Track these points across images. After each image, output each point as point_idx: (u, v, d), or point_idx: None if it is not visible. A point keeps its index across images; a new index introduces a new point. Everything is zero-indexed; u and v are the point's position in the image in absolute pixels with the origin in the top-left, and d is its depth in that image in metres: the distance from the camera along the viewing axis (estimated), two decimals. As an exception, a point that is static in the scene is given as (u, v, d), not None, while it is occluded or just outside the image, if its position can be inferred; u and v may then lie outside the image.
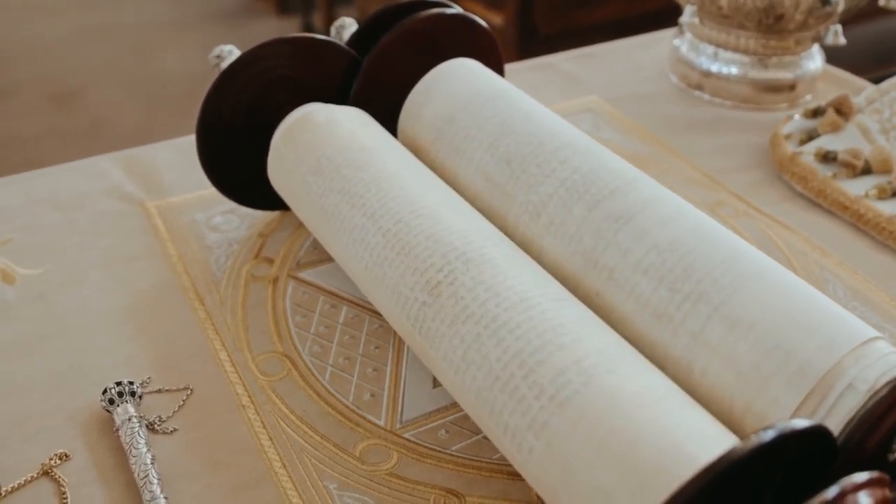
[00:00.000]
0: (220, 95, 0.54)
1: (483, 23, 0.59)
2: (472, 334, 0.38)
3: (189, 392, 0.47)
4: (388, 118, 0.56)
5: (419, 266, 0.42)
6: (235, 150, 0.56)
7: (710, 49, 0.76)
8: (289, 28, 2.84)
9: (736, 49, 0.74)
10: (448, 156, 0.51)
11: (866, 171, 0.63)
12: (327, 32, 0.58)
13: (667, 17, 0.80)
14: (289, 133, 0.52)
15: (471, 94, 0.52)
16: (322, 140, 0.50)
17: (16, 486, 0.42)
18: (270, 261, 0.56)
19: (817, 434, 0.30)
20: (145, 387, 0.47)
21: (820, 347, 0.35)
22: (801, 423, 0.29)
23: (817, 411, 0.34)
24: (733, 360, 0.36)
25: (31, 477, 0.42)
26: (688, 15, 0.75)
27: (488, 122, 0.50)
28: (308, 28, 2.77)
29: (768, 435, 0.28)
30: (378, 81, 0.56)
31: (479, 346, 0.38)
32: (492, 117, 0.50)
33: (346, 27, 0.60)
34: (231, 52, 0.56)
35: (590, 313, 0.39)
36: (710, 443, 0.32)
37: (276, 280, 0.54)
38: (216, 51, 0.57)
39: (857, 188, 0.61)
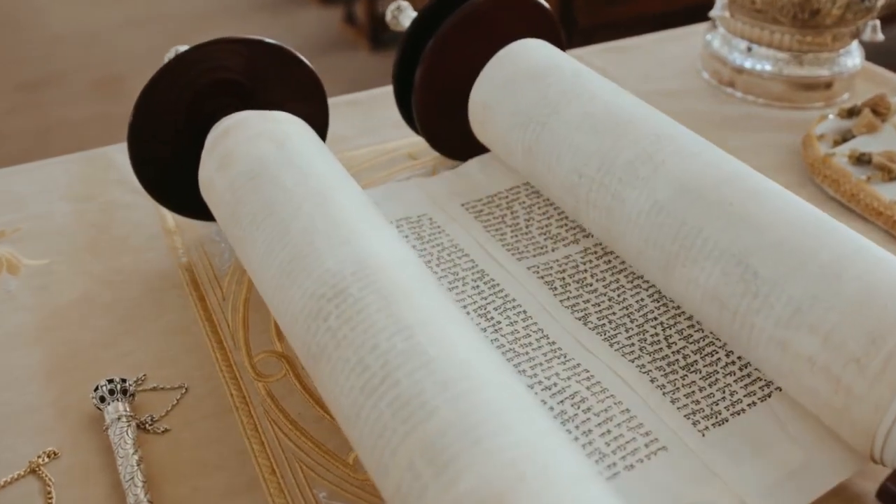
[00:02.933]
0: (155, 95, 0.51)
1: (546, 4, 0.59)
2: (342, 417, 0.36)
3: (184, 391, 0.46)
4: (454, 101, 0.57)
5: (295, 342, 0.40)
6: (172, 154, 0.53)
7: (743, 44, 0.73)
8: (331, 17, 2.83)
9: (770, 45, 0.71)
10: (558, 96, 0.52)
11: (902, 174, 0.60)
12: (369, 21, 0.57)
13: (709, 12, 0.77)
14: (200, 181, 0.50)
15: (572, 62, 0.55)
16: (216, 194, 0.48)
17: (1, 484, 0.41)
18: (276, 257, 0.54)
19: None
20: (140, 384, 0.46)
21: None
22: None
23: None
24: None
25: (18, 475, 0.41)
26: (718, 8, 0.72)
27: (599, 80, 0.52)
28: (350, 18, 2.76)
29: None
30: (442, 64, 0.56)
31: (349, 430, 0.36)
32: (599, 78, 0.53)
33: (403, 10, 0.59)
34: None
35: (442, 353, 0.35)
36: None
37: (280, 277, 0.53)
38: (171, 52, 0.55)
39: (892, 193, 0.59)
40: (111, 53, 2.61)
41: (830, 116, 0.67)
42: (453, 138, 0.60)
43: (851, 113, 0.66)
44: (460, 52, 0.56)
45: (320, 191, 0.44)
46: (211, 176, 0.48)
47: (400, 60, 0.58)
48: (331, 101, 0.72)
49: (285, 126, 0.49)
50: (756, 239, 0.41)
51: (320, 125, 0.56)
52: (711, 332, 0.46)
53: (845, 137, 0.64)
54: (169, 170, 0.53)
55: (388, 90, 0.74)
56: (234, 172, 0.47)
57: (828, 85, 0.73)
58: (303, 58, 0.54)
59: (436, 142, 0.61)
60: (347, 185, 0.46)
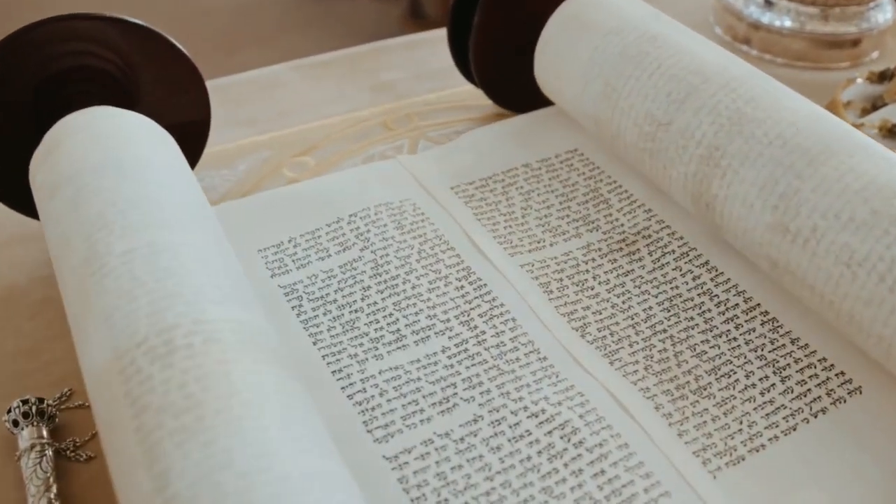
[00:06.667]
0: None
1: None
2: None
3: (114, 409, 0.40)
4: (514, 46, 0.54)
5: None
6: (18, 142, 0.45)
7: (762, -3, 0.66)
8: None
9: (791, -2, 0.64)
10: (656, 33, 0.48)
11: (940, 149, 0.53)
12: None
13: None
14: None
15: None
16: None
17: None
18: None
19: None
20: (64, 401, 0.40)
21: None
22: None
23: None
24: None
25: (-87, 516, 0.36)
26: (736, -43, 0.65)
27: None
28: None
29: None
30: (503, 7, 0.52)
31: None
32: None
33: None
34: None
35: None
36: None
37: (232, 270, 0.46)
38: None
39: (928, 169, 0.52)
40: (104, 1, 2.51)
41: (859, 80, 0.60)
42: (511, 87, 0.56)
43: (883, 77, 0.59)
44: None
45: (80, 260, 0.35)
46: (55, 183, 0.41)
47: (457, 2, 0.55)
48: (301, 61, 0.65)
49: (69, 154, 0.40)
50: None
51: (200, 118, 0.49)
52: (731, 350, 0.40)
53: (875, 105, 0.57)
54: (13, 158, 0.45)
55: (368, 48, 0.67)
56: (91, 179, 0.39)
57: (855, 42, 0.65)
58: (175, 41, 0.46)
59: (492, 90, 0.57)
60: (118, 235, 0.35)
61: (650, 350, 0.40)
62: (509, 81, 0.56)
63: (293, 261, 0.44)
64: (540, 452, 0.35)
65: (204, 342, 0.30)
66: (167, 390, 0.29)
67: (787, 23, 0.65)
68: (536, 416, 0.37)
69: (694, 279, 0.43)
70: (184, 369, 0.29)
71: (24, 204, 0.46)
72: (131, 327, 0.31)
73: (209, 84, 0.49)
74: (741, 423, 0.37)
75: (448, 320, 0.41)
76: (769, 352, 0.39)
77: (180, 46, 0.46)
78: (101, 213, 0.36)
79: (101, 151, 0.39)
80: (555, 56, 0.50)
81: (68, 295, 0.35)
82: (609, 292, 0.43)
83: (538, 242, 0.46)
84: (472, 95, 0.59)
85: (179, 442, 0.27)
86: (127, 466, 0.28)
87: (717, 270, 0.43)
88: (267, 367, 0.31)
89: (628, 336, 0.41)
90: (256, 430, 0.28)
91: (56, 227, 0.38)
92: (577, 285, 0.43)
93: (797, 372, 0.38)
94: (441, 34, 0.60)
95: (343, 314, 0.42)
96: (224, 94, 0.60)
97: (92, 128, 0.41)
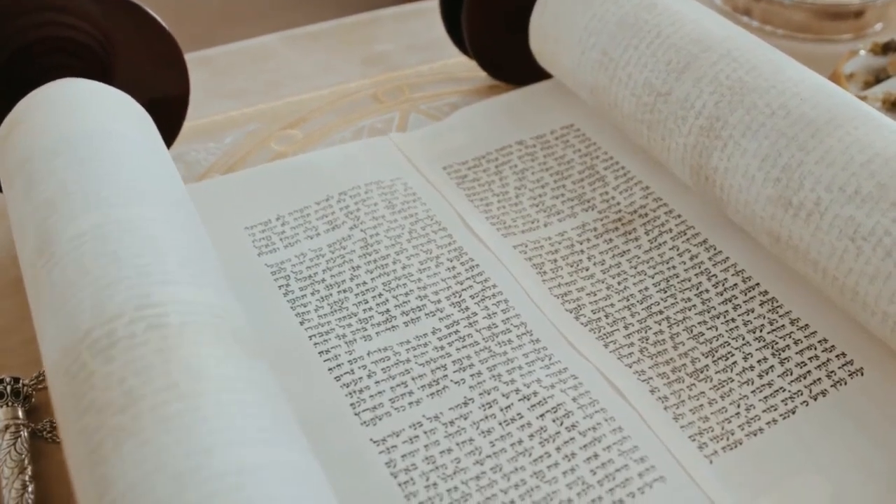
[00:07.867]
0: None
1: None
2: None
3: (94, 389, 0.39)
4: (509, 16, 0.52)
5: None
6: None
7: (763, -34, 0.64)
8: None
9: (794, -33, 0.63)
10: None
11: (945, 123, 0.52)
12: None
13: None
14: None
15: None
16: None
17: None
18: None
19: None
20: (41, 381, 0.39)
21: None
22: None
23: None
24: None
25: None
26: (737, -75, 0.63)
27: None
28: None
29: None
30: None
31: None
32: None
33: None
34: None
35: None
36: None
37: (217, 246, 0.45)
38: None
39: (932, 144, 0.51)
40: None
41: (862, 52, 0.58)
42: (506, 58, 0.55)
43: (887, 49, 0.58)
44: None
45: (32, 252, 0.33)
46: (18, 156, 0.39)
47: None
48: (291, 32, 0.64)
49: (26, 134, 0.38)
50: None
51: (178, 93, 0.47)
52: (729, 331, 0.39)
53: (879, 77, 0.56)
54: None
55: (359, 19, 0.65)
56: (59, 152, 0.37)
57: (858, 13, 0.64)
58: (155, 15, 0.44)
59: (486, 61, 0.55)
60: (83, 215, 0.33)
61: (646, 332, 0.39)
62: (503, 52, 0.54)
63: (281, 239, 0.43)
64: (532, 436, 0.34)
65: (145, 330, 0.28)
66: (108, 386, 0.27)
67: (789, -7, 0.64)
68: (528, 399, 0.36)
69: (691, 258, 0.42)
70: (124, 362, 0.27)
71: None
72: (76, 321, 0.29)
73: (197, 55, 0.47)
74: (738, 406, 0.36)
75: (439, 301, 0.40)
76: (768, 333, 0.38)
77: (160, 20, 0.45)
78: (50, 198, 0.34)
79: (55, 131, 0.37)
80: (550, 24, 0.49)
81: (28, 290, 0.34)
82: (604, 273, 0.42)
83: (532, 223, 0.45)
84: (466, 67, 0.57)
85: (117, 443, 0.26)
86: (75, 471, 0.27)
87: (715, 249, 0.42)
88: (211, 350, 0.28)
89: (623, 318, 0.40)
90: (192, 424, 0.26)
91: (14, 216, 0.36)
92: (572, 266, 0.42)
93: (797, 353, 0.37)
94: (433, 5, 0.58)
95: (331, 294, 0.40)
96: (212, 65, 0.59)
97: (50, 105, 0.39)
